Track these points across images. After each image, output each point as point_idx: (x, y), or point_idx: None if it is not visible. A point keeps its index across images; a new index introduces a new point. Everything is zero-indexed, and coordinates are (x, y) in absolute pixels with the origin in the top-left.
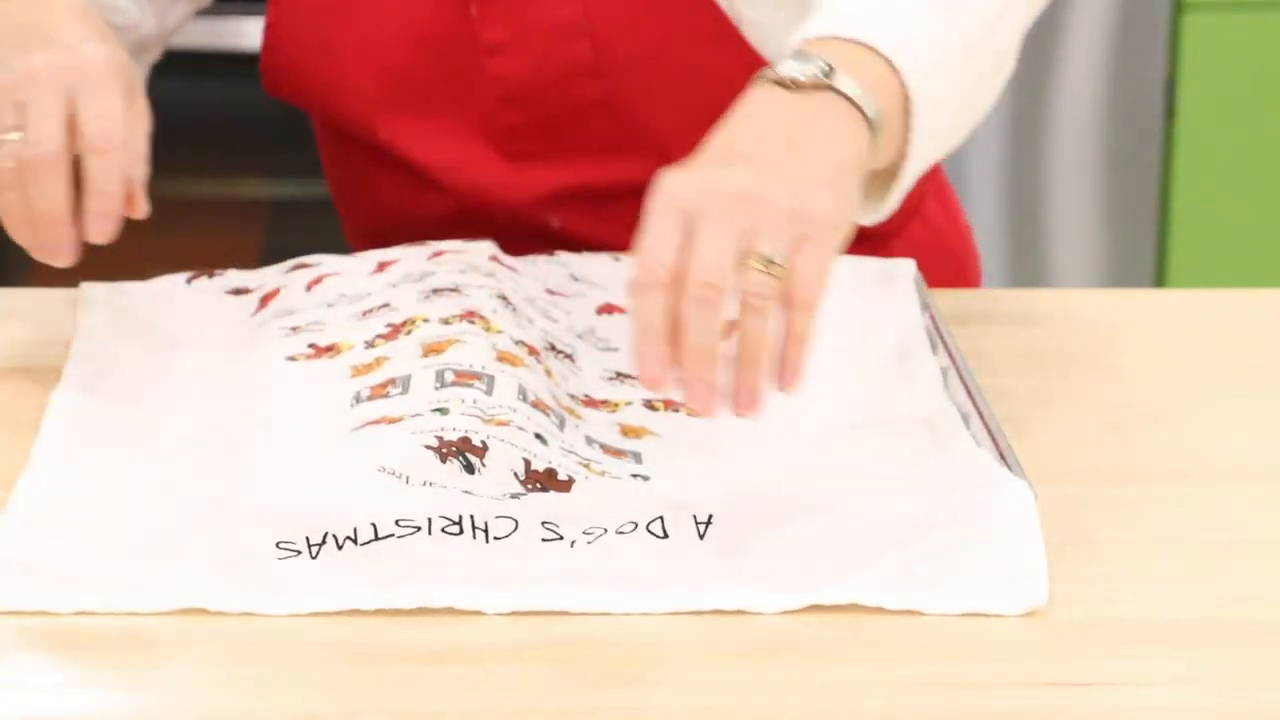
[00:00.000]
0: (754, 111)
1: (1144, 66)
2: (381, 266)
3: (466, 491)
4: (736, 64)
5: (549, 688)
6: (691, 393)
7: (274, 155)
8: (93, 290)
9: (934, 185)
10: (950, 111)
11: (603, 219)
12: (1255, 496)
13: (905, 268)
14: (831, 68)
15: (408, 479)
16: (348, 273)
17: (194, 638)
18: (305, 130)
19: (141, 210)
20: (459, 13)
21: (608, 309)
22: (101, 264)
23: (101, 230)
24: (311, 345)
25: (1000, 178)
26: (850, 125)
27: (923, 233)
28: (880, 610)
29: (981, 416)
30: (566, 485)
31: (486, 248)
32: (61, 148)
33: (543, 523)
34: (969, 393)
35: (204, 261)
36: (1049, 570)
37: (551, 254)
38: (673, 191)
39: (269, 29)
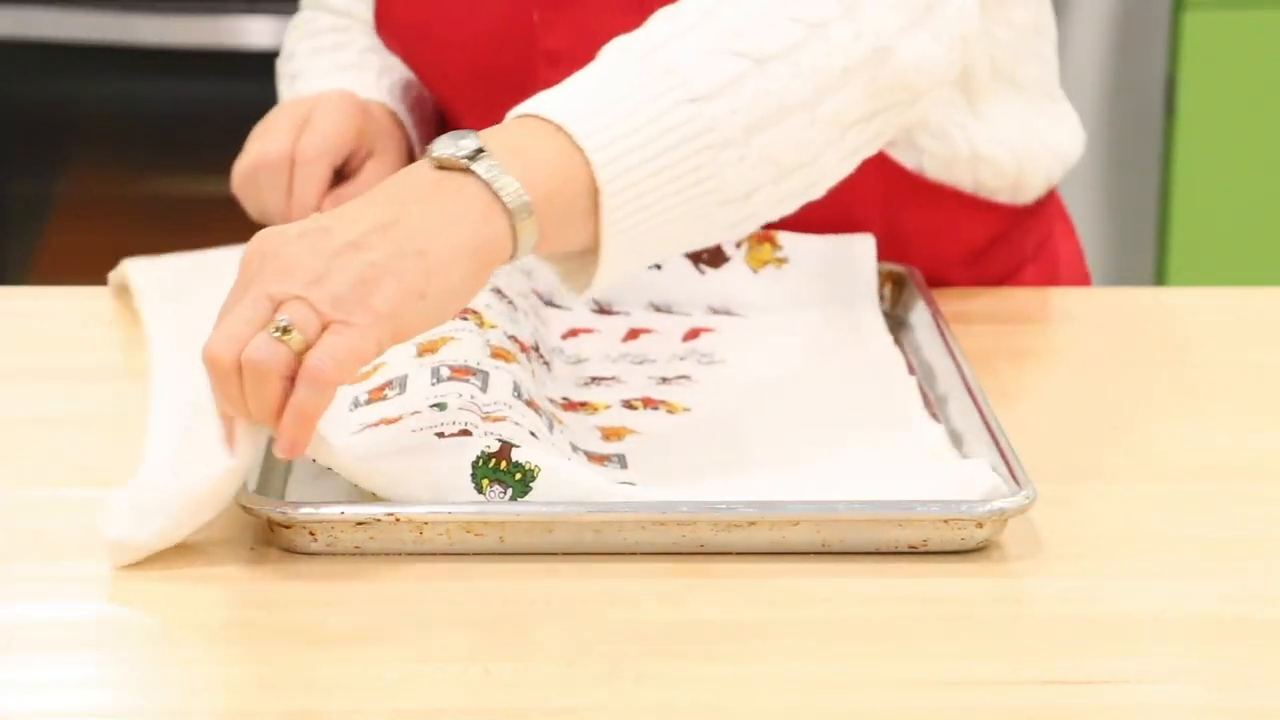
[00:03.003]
0: (390, 185)
1: (1144, 64)
2: None
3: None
4: None
5: (549, 688)
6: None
7: None
8: (137, 263)
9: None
10: (667, 194)
11: None
12: (1254, 495)
13: (865, 246)
14: (481, 150)
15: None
16: None
17: (194, 637)
18: None
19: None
20: (524, 17)
21: (572, 333)
22: (101, 261)
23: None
24: None
25: None
26: (481, 211)
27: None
28: (879, 607)
29: (982, 416)
30: None
31: None
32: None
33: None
34: (970, 392)
35: None
36: (1048, 568)
37: None
38: (249, 249)
39: None
